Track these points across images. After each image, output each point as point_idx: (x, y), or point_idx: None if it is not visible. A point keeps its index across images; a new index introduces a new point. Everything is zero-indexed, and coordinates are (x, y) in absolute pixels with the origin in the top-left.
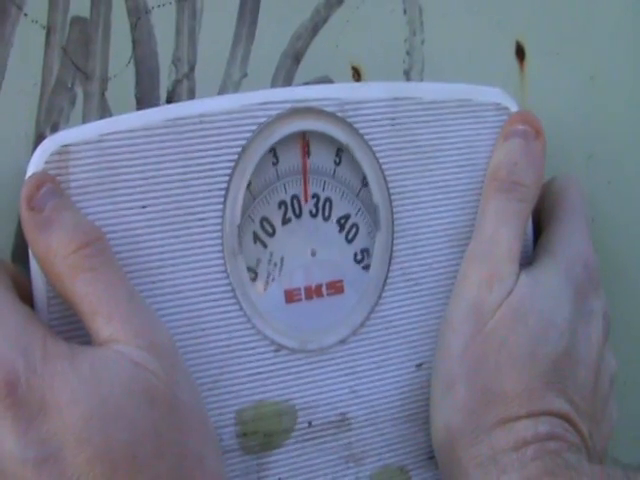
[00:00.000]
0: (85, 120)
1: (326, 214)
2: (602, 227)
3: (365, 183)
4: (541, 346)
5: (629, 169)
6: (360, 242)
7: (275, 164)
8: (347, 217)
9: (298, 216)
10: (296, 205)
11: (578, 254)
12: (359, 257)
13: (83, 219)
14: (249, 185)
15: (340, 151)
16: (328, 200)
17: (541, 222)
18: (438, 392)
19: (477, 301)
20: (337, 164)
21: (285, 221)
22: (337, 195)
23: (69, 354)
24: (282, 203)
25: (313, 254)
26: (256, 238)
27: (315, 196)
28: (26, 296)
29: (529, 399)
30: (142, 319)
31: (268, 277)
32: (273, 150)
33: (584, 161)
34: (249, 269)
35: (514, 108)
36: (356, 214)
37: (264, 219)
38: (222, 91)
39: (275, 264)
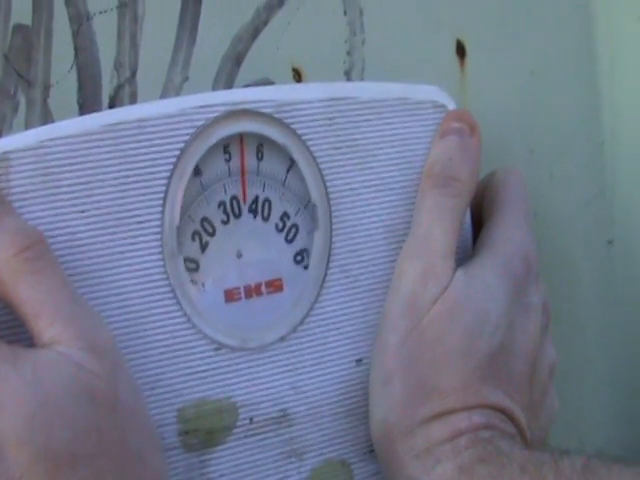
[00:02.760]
0: (28, 127)
1: (265, 214)
2: (544, 221)
3: (289, 171)
4: (476, 341)
5: (571, 163)
6: (300, 242)
7: (227, 161)
8: (287, 217)
9: (237, 216)
10: (235, 205)
11: (517, 247)
12: (299, 258)
13: (24, 223)
14: (200, 177)
15: (292, 161)
16: (267, 201)
17: (482, 216)
18: (376, 387)
19: (412, 297)
20: (287, 172)
21: (225, 221)
22: (276, 196)
23: (11, 356)
24: (222, 203)
25: (252, 254)
26: (196, 237)
27: (255, 197)
28: None
29: (464, 394)
30: (84, 321)
31: (208, 276)
32: (225, 147)
33: (526, 156)
34: (190, 260)
35: (451, 106)
36: (296, 214)
37: (204, 219)
38: (164, 95)
39: (214, 266)
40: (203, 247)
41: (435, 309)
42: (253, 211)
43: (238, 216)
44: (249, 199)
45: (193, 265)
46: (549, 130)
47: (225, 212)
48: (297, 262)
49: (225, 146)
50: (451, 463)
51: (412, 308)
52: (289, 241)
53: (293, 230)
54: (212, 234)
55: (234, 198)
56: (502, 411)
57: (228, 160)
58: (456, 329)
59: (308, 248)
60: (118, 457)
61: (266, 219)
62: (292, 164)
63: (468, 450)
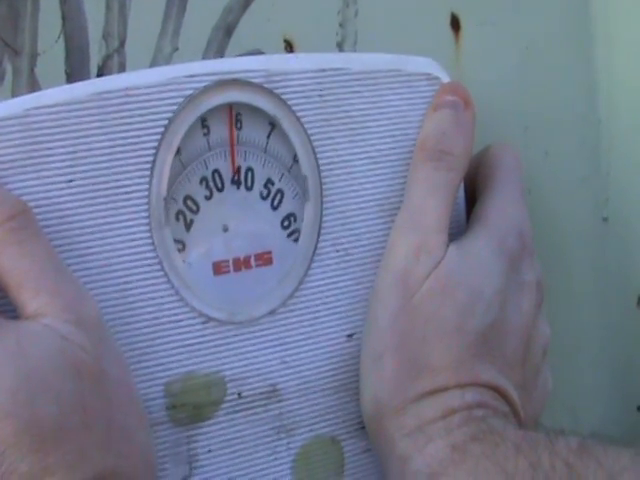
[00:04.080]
0: (14, 96)
1: (249, 184)
2: (539, 198)
3: (297, 159)
4: (469, 318)
5: (565, 140)
6: (286, 207)
7: (206, 135)
8: (271, 183)
9: (220, 190)
10: (217, 179)
11: (511, 223)
12: (286, 223)
13: (7, 194)
14: (179, 155)
15: (272, 125)
16: (250, 170)
17: (475, 192)
18: (366, 364)
19: (404, 272)
20: (268, 137)
21: (208, 196)
22: (259, 163)
23: None
24: (203, 179)
25: (238, 226)
26: (180, 217)
27: (237, 167)
28: None
29: (457, 371)
30: (69, 293)
31: (195, 254)
32: (203, 121)
33: (521, 132)
34: (176, 241)
35: (445, 78)
36: (280, 180)
37: (187, 197)
38: (153, 65)
39: (202, 240)
40: (188, 226)
41: (427, 285)
42: (236, 182)
43: (221, 189)
44: (235, 170)
45: (180, 246)
46: (544, 106)
47: (208, 187)
48: (287, 234)
49: (203, 120)
50: (443, 441)
51: (404, 283)
52: (275, 207)
53: (278, 196)
54: (196, 211)
55: (216, 171)
56: (495, 389)
57: (207, 134)
58: (449, 305)
59: (295, 212)
60: (103, 432)
61: (250, 188)
62: (272, 129)
63: (461, 428)
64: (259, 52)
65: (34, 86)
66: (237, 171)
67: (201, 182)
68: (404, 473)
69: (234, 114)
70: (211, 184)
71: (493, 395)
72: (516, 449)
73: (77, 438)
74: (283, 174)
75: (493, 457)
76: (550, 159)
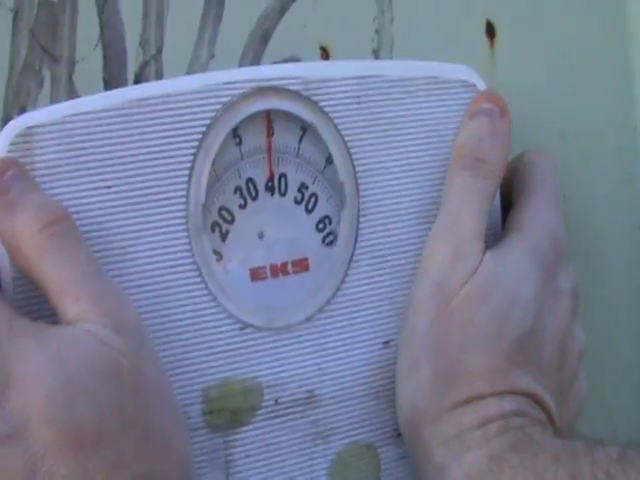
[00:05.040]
0: (53, 103)
1: (282, 189)
2: (574, 205)
3: (330, 161)
4: (505, 325)
5: (602, 147)
6: (320, 210)
7: (239, 144)
8: (305, 187)
9: (254, 198)
10: (252, 187)
11: (547, 229)
12: (321, 226)
13: (48, 200)
14: (213, 166)
15: (303, 129)
16: (283, 176)
17: (510, 199)
18: (403, 371)
19: (441, 280)
20: (300, 142)
21: (242, 205)
22: (292, 169)
23: (35, 332)
24: (238, 189)
25: (275, 232)
26: (216, 228)
27: (270, 174)
28: None
29: (493, 378)
30: (109, 298)
31: (232, 262)
32: (235, 130)
33: (556, 139)
34: (213, 252)
35: (481, 86)
36: (313, 183)
37: (222, 208)
38: (190, 73)
39: (238, 249)
40: (224, 236)
41: (464, 291)
42: (270, 189)
43: (255, 198)
44: (267, 177)
45: (217, 257)
46: (580, 113)
47: (242, 196)
48: (322, 237)
49: (234, 129)
50: (481, 451)
51: (440, 290)
52: (309, 211)
53: (312, 199)
54: (231, 221)
55: (250, 180)
56: (531, 396)
57: (239, 143)
58: (485, 312)
59: (329, 215)
60: (142, 437)
61: (284, 194)
62: (303, 133)
63: (499, 437)
64: (296, 59)
65: (72, 93)
66: (271, 178)
67: (235, 192)
68: None
69: (271, 121)
70: (245, 193)
71: (530, 403)
72: (555, 459)
73: (116, 443)
74: (316, 177)
75: (532, 467)
76: (586, 165)
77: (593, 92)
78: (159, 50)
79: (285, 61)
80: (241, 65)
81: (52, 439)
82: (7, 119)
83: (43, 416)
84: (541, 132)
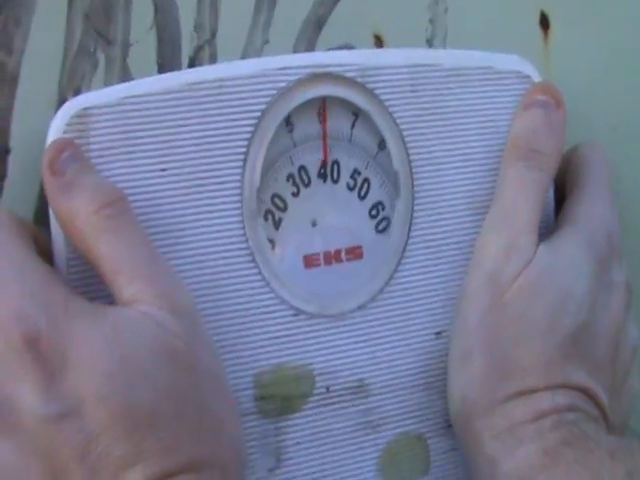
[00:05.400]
0: (107, 86)
1: (335, 177)
2: (626, 200)
3: (382, 147)
4: (559, 318)
5: None
6: (373, 196)
7: (291, 132)
8: (357, 173)
9: (307, 185)
10: (304, 174)
11: (601, 223)
12: (374, 212)
13: (104, 181)
14: (266, 154)
15: (355, 115)
16: (336, 162)
17: (563, 191)
18: (455, 363)
19: (495, 271)
20: (352, 128)
21: (295, 193)
22: (345, 155)
23: (91, 312)
24: (290, 176)
25: (328, 219)
26: (269, 216)
27: (323, 161)
28: (45, 257)
29: (546, 372)
30: (164, 280)
31: (286, 248)
32: (287, 118)
33: (607, 133)
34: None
35: (536, 77)
36: (366, 168)
37: (275, 195)
38: (244, 58)
39: (292, 237)
40: (277, 224)
41: (518, 284)
42: (323, 176)
43: (308, 185)
44: (320, 164)
45: (270, 245)
46: (632, 107)
47: (295, 184)
48: (375, 224)
49: (287, 118)
50: (535, 445)
51: (494, 282)
52: (362, 197)
53: (365, 185)
54: (284, 209)
55: (302, 167)
56: (584, 391)
57: (291, 131)
58: (539, 305)
59: (382, 201)
60: (197, 420)
61: (336, 181)
62: (355, 119)
63: (552, 432)
64: (350, 46)
65: (126, 76)
66: (324, 164)
67: (288, 179)
68: (493, 475)
69: (327, 108)
70: (298, 180)
71: (583, 398)
72: (611, 456)
73: (170, 425)
74: (368, 163)
75: (587, 463)
76: (637, 161)
77: None
78: (213, 34)
79: (339, 48)
80: (295, 51)
81: (107, 419)
82: (62, 101)
83: (99, 395)
84: (593, 126)
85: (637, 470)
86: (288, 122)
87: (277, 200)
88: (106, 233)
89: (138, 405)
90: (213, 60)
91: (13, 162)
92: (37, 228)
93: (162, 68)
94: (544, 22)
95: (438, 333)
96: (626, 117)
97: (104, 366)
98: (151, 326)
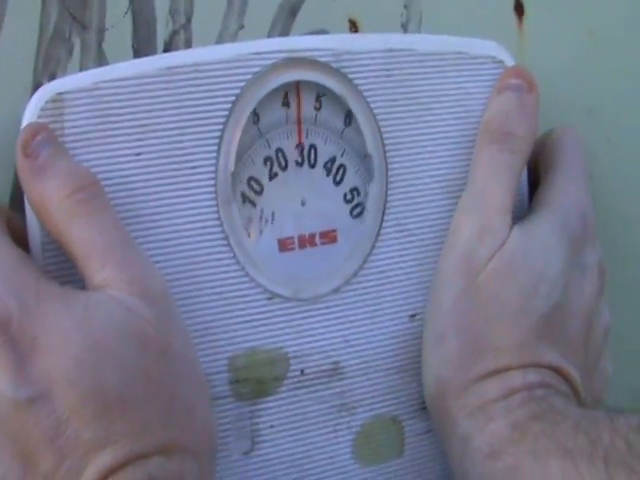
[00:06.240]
0: (82, 71)
1: (312, 161)
2: (601, 183)
3: (348, 123)
4: (532, 299)
5: (629, 125)
6: (348, 182)
7: (256, 122)
8: (333, 160)
9: (284, 168)
10: (281, 158)
11: (574, 205)
12: (349, 197)
13: (77, 165)
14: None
15: (319, 96)
16: (313, 147)
17: (538, 175)
18: (429, 344)
19: (468, 253)
20: (318, 109)
21: (272, 176)
22: (321, 140)
23: (62, 296)
24: (267, 159)
25: (303, 203)
26: (245, 198)
27: (299, 145)
28: (20, 241)
29: (519, 352)
30: (136, 265)
31: (261, 231)
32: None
33: (584, 117)
34: (245, 199)
35: (510, 62)
36: (341, 155)
37: (251, 178)
38: (219, 43)
39: (266, 220)
40: (253, 205)
41: (491, 265)
42: (300, 160)
43: (285, 168)
44: (298, 149)
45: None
46: (607, 91)
47: (271, 167)
48: (350, 209)
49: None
50: (504, 420)
51: (468, 264)
52: (337, 183)
53: (341, 171)
54: (260, 192)
55: (279, 150)
56: (557, 370)
57: (256, 122)
58: (512, 286)
59: (357, 186)
60: (166, 404)
61: (313, 166)
62: (320, 104)
63: (521, 408)
64: (324, 32)
65: (102, 61)
66: (300, 149)
67: (265, 162)
68: (465, 452)
69: (301, 92)
70: (275, 164)
71: (555, 376)
72: (575, 427)
73: (140, 409)
74: (345, 150)
75: (553, 435)
76: (613, 144)
77: (621, 70)
78: (189, 19)
79: (314, 33)
80: (269, 36)
81: (77, 402)
82: (37, 86)
83: (68, 379)
84: (569, 110)
85: (600, 439)
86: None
87: (253, 183)
88: (78, 217)
89: (107, 389)
90: (188, 45)
91: None
92: (11, 212)
93: (137, 53)
94: (519, 8)
95: (412, 316)
96: (601, 100)
97: (74, 350)
98: (121, 310)
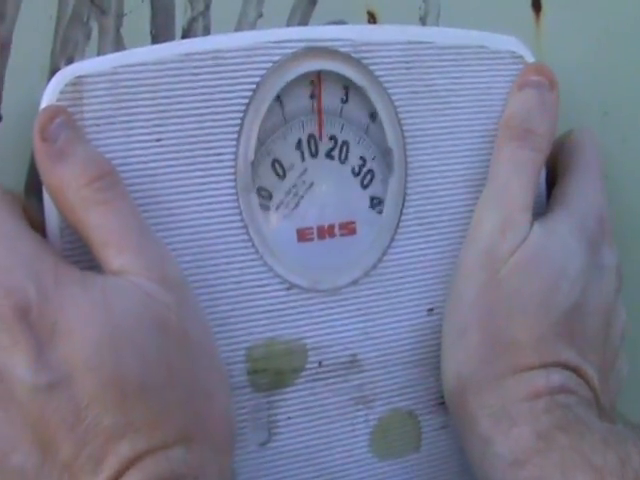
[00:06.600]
0: (100, 56)
1: (343, 157)
2: (616, 184)
3: (373, 119)
4: (553, 296)
5: None
6: (374, 189)
7: (281, 107)
8: (363, 162)
9: (314, 155)
10: (313, 144)
11: (592, 207)
12: (375, 202)
13: (95, 152)
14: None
15: (346, 89)
16: (345, 143)
17: (555, 175)
18: (449, 339)
19: (490, 248)
20: (344, 102)
21: (302, 159)
22: (354, 139)
23: (81, 280)
24: (292, 147)
25: (327, 194)
26: (265, 187)
27: (332, 138)
28: (36, 228)
29: (540, 348)
30: (153, 252)
31: (282, 209)
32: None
33: (599, 118)
34: (263, 190)
35: (529, 57)
36: (372, 160)
37: (273, 164)
38: (237, 31)
39: (286, 209)
40: (280, 180)
41: (513, 260)
42: (331, 153)
43: (315, 155)
44: (325, 139)
45: (266, 193)
46: (624, 92)
47: (301, 150)
48: (372, 207)
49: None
50: (528, 427)
51: (490, 258)
52: (365, 186)
53: (369, 176)
54: (284, 175)
55: (312, 137)
56: (576, 370)
57: (281, 107)
58: (534, 282)
59: (382, 197)
60: (186, 392)
61: (343, 162)
62: (347, 94)
63: (546, 415)
64: (343, 22)
65: (120, 46)
66: (333, 141)
67: (289, 151)
68: (485, 454)
69: (322, 82)
70: (304, 148)
71: (576, 379)
72: (604, 442)
73: (160, 396)
74: (375, 156)
75: (580, 449)
76: (628, 145)
77: (638, 72)
78: (207, 6)
79: (333, 24)
80: (288, 25)
81: (96, 388)
82: (55, 70)
83: (88, 365)
84: (584, 110)
85: (629, 457)
86: (278, 98)
87: (274, 171)
88: (96, 205)
89: (127, 375)
90: (206, 32)
91: (4, 131)
92: (26, 200)
93: (155, 39)
94: (536, 4)
95: (430, 310)
96: (618, 101)
97: (94, 335)
98: (141, 296)
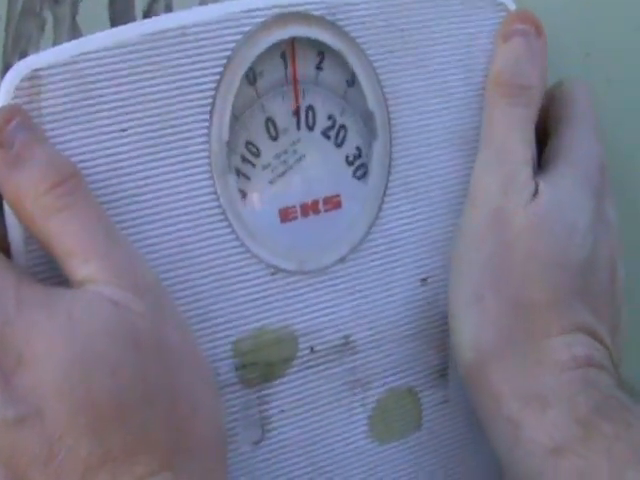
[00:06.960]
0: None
1: (310, 123)
2: (602, 126)
3: (350, 83)
4: (567, 252)
5: (628, 66)
6: (350, 143)
7: (253, 84)
8: (333, 121)
9: (281, 132)
10: (277, 121)
11: (593, 157)
12: (351, 158)
13: (56, 154)
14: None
15: (321, 55)
16: (310, 108)
17: (546, 127)
18: (461, 308)
19: (496, 210)
20: (319, 69)
21: (269, 140)
22: (319, 101)
23: (45, 300)
24: (264, 122)
25: (304, 169)
26: (241, 168)
27: (297, 108)
28: None
29: (558, 309)
30: (122, 257)
31: (267, 173)
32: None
33: (581, 59)
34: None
35: (511, 6)
36: (341, 115)
37: (248, 143)
38: (202, 5)
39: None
40: (249, 176)
41: (523, 219)
42: (296, 122)
43: (282, 132)
44: (292, 110)
45: (241, 195)
46: (606, 31)
47: (267, 132)
48: (353, 171)
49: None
50: (564, 411)
51: (497, 220)
52: (339, 145)
53: (342, 132)
54: (257, 154)
55: (273, 115)
56: (593, 334)
57: (253, 83)
58: (547, 239)
59: (359, 146)
60: (167, 404)
61: (311, 128)
62: (322, 59)
63: (581, 395)
64: None
65: (76, 35)
66: (297, 111)
67: (262, 126)
68: (518, 439)
69: (296, 50)
70: (270, 129)
71: (594, 345)
72: None
73: (139, 414)
74: (344, 108)
75: (628, 439)
76: (613, 86)
77: (619, 11)
78: None
79: None
80: None
81: (69, 416)
82: (7, 67)
83: (58, 392)
84: (565, 52)
85: None
86: (249, 72)
87: (251, 147)
88: (58, 212)
89: (100, 397)
90: (169, 11)
91: None
92: None
93: (114, 24)
94: None
95: (424, 280)
96: (599, 42)
97: (61, 358)
98: (108, 307)
